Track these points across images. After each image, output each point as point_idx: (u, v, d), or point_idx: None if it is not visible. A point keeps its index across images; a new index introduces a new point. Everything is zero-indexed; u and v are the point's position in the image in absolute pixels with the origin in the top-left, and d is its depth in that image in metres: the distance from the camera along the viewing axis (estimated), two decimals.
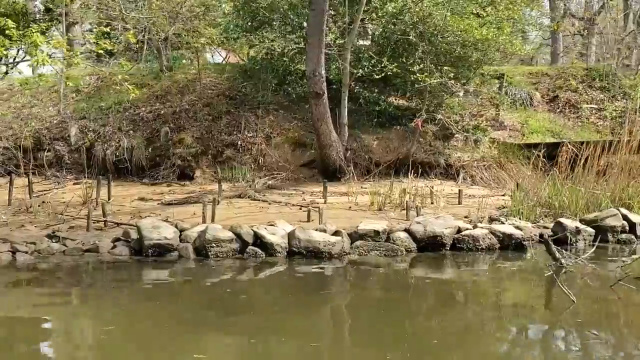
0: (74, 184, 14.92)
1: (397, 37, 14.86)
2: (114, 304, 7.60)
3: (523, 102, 18.81)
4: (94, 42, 11.28)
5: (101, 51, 11.23)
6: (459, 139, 15.96)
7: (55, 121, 16.23)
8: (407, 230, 10.09)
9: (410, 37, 14.41)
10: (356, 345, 6.12)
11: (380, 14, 14.73)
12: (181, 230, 9.86)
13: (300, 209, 12.23)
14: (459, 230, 10.20)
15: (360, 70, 14.25)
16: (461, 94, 17.67)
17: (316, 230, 9.88)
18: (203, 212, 10.71)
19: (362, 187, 14.23)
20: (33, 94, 17.77)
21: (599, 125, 17.85)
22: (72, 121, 15.92)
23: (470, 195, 13.63)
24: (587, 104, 18.81)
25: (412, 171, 14.39)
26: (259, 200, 13.15)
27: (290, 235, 9.58)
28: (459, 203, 13.07)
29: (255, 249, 9.35)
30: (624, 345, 6.05)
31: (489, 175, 15.02)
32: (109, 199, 13.26)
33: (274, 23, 15.04)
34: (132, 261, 9.25)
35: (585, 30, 24.89)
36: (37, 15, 23.44)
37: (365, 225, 10.02)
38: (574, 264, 8.58)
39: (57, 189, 14.48)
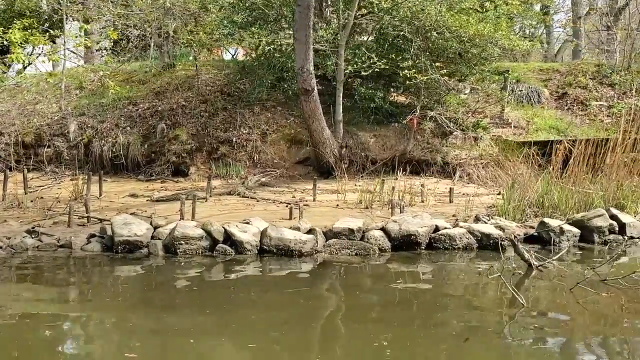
0: (71, 179, 15.02)
1: (395, 33, 14.65)
2: (59, 298, 7.59)
3: (530, 99, 18.45)
4: (73, 39, 11.30)
5: (79, 47, 11.19)
6: (458, 137, 15.67)
7: (56, 117, 16.38)
8: (382, 229, 9.94)
9: (403, 33, 14.19)
10: (288, 348, 6.00)
11: (375, 10, 14.53)
12: (155, 227, 9.85)
13: (287, 206, 12.14)
14: (437, 229, 10.00)
15: (349, 67, 14.06)
16: (467, 90, 17.39)
17: (290, 228, 9.79)
18: (181, 209, 10.68)
19: (355, 185, 14.10)
20: (39, 91, 18.01)
21: (607, 123, 17.38)
22: (71, 117, 16.04)
23: (464, 194, 13.41)
24: (597, 100, 18.37)
25: (403, 169, 14.23)
26: (248, 197, 13.10)
27: (263, 233, 9.50)
28: (450, 201, 12.88)
29: (225, 246, 9.28)
30: (544, 352, 5.81)
31: (486, 174, 14.74)
32: (100, 195, 13.35)
33: (269, 19, 14.92)
34: (101, 257, 9.27)
35: (608, 26, 24.26)
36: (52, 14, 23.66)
37: (340, 224, 9.89)
38: (547, 265, 8.35)
39: (53, 184, 14.61)
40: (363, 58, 13.85)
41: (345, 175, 13.97)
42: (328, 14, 16.44)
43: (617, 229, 10.77)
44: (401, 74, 13.80)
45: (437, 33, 14.15)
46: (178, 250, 9.15)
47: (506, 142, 15.49)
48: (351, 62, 14.19)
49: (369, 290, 8.16)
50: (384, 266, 9.26)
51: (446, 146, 15.41)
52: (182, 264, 8.97)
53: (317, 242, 9.54)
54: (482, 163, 14.94)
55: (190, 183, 14.45)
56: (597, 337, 6.25)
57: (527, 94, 18.52)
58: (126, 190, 13.99)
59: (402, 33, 14.26)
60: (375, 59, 13.57)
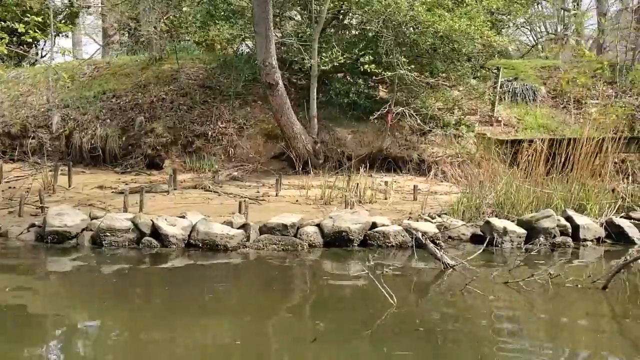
0: (51, 171, 15.23)
1: (375, 29, 14.40)
2: None
3: (525, 97, 18.00)
4: (24, 31, 11.42)
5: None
6: (438, 134, 15.35)
7: (42, 109, 16.62)
8: (318, 225, 9.79)
9: (375, 28, 13.95)
10: (152, 336, 5.95)
11: (346, 4, 14.33)
12: (92, 219, 9.90)
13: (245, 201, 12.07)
14: (374, 226, 9.81)
15: (312, 60, 13.85)
16: (462, 87, 17.02)
17: (224, 223, 9.72)
18: (124, 202, 10.72)
19: (327, 181, 13.94)
20: (34, 83, 18.32)
21: (602, 122, 16.79)
22: (55, 109, 16.26)
23: (432, 192, 13.16)
24: (594, 99, 17.80)
25: (380, 166, 14.03)
26: (211, 191, 13.09)
27: (193, 227, 9.44)
28: (415, 199, 12.67)
29: (151, 239, 9.24)
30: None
31: (461, 172, 14.39)
32: (69, 186, 13.50)
33: (246, 13, 14.84)
34: (29, 247, 9.35)
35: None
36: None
37: (276, 219, 9.77)
38: (459, 266, 8.10)
39: (30, 175, 14.81)
40: (328, 52, 13.65)
41: (315, 170, 13.84)
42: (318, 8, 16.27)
43: (570, 230, 10.40)
44: (362, 69, 13.56)
45: (412, 28, 13.86)
46: (104, 242, 9.16)
47: (486, 139, 15.10)
48: (320, 57, 13.99)
49: (252, 286, 8.02)
50: (295, 262, 8.94)
51: (425, 143, 15.12)
52: (107, 255, 8.96)
53: (248, 237, 9.45)
54: (457, 161, 14.61)
55: (162, 176, 14.48)
56: (447, 337, 5.98)
57: (522, 91, 18.08)
58: (99, 182, 14.08)
59: (368, 27, 14.01)
60: (339, 53, 13.36)
